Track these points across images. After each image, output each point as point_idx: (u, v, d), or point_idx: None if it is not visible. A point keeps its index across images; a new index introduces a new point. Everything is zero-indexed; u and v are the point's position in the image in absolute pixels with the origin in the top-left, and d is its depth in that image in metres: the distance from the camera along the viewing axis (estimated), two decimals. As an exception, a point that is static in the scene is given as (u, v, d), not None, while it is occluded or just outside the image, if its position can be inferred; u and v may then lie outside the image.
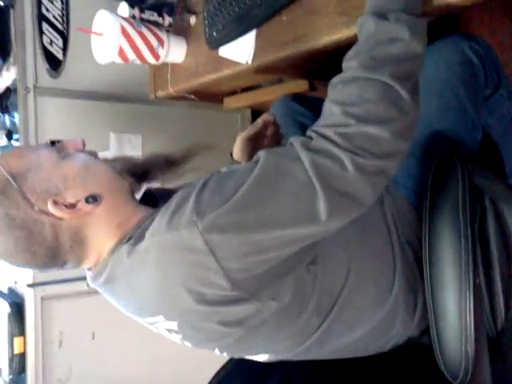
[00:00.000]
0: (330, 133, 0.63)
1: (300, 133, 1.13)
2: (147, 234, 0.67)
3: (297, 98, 1.18)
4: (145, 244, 0.67)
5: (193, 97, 1.30)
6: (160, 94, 1.32)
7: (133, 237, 0.70)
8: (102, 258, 0.72)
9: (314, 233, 0.66)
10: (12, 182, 0.69)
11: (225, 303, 0.67)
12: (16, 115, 1.68)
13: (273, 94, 1.32)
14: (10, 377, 1.68)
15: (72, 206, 0.70)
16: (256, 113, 1.82)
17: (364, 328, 0.80)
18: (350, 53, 0.68)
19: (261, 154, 0.67)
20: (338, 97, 0.66)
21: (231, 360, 0.99)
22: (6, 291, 1.85)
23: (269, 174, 0.64)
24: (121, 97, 1.73)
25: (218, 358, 0.90)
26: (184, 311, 0.70)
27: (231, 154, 1.06)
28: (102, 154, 1.66)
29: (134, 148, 1.70)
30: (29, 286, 1.61)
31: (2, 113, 1.74)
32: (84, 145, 0.78)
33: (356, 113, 0.63)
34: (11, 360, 1.62)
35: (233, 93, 1.46)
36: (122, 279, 0.72)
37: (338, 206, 0.63)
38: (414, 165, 0.85)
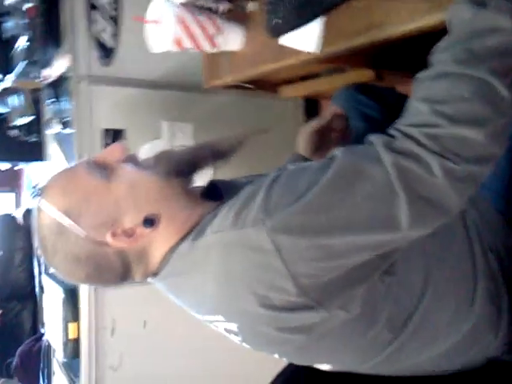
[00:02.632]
0: (416, 133, 0.57)
1: (366, 126, 1.08)
2: (209, 229, 0.65)
3: (361, 87, 1.11)
4: (206, 240, 0.65)
5: (249, 86, 1.25)
6: (215, 83, 1.28)
7: (193, 232, 0.68)
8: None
9: (391, 240, 0.61)
10: (68, 222, 0.67)
11: (290, 310, 0.63)
12: (69, 103, 1.69)
13: (333, 83, 1.26)
14: (65, 360, 1.73)
15: (132, 232, 0.69)
16: (309, 101, 1.77)
17: (440, 347, 0.74)
18: (441, 44, 0.61)
19: (337, 151, 0.62)
20: (425, 94, 0.60)
21: (290, 365, 0.95)
22: (59, 276, 1.90)
23: (345, 175, 0.59)
24: (173, 85, 1.71)
25: (276, 359, 0.88)
26: (245, 314, 0.67)
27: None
28: (153, 144, 1.66)
29: (186, 137, 1.69)
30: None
31: (57, 100, 1.76)
32: (124, 150, 0.74)
33: (447, 112, 0.57)
34: (65, 344, 1.67)
35: (289, 81, 1.40)
36: (183, 275, 0.70)
37: (422, 214, 0.58)
38: (501, 164, 0.78)
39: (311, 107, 1.81)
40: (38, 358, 2.41)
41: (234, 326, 0.71)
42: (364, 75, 1.16)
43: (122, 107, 1.66)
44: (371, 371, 0.77)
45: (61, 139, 1.85)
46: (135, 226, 0.68)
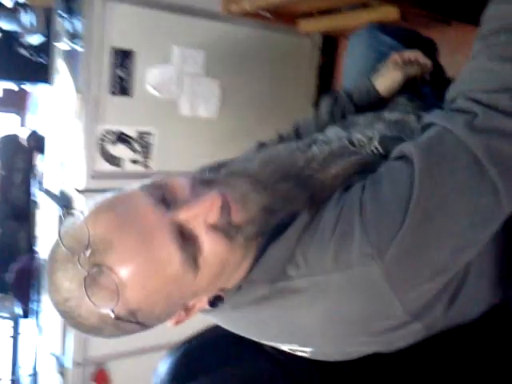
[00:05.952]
0: (501, 100, 0.50)
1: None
2: (296, 272, 0.56)
3: (384, 28, 1.03)
4: (296, 284, 0.56)
5: (268, 15, 1.20)
6: (233, 8, 1.24)
7: (256, 274, 0.58)
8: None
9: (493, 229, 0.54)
10: (130, 323, 0.52)
11: (392, 330, 0.58)
12: (80, 19, 1.63)
13: (355, 19, 1.20)
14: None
15: (191, 309, 0.58)
16: (328, 38, 1.69)
17: None
18: None
19: (411, 152, 0.53)
20: (502, 51, 0.52)
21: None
22: (58, 194, 1.90)
23: (435, 182, 0.51)
24: (190, 9, 1.65)
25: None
26: (338, 344, 0.62)
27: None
28: (162, 69, 1.62)
29: (197, 64, 1.64)
30: (78, 191, 1.63)
31: (69, 16, 1.70)
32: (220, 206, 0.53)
33: None
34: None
35: (309, 14, 1.34)
36: (240, 315, 0.62)
37: None
38: None
39: (328, 46, 1.74)
40: (31, 275, 2.46)
41: (306, 349, 0.64)
42: (388, 12, 1.10)
43: (135, 28, 1.60)
44: None
45: (68, 56, 1.81)
46: (198, 302, 0.58)
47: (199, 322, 0.69)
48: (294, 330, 0.61)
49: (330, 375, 0.74)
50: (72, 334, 1.59)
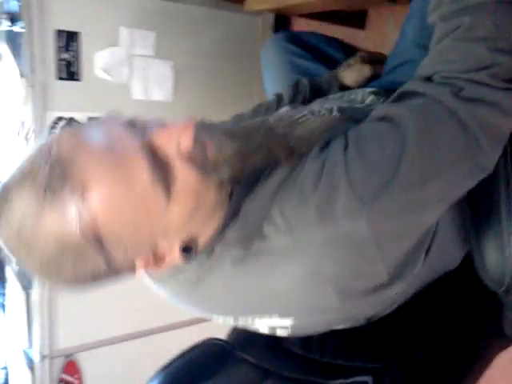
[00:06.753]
0: (480, 77, 0.54)
1: (297, 77, 1.01)
2: (273, 231, 0.54)
3: (290, 37, 1.09)
4: (274, 243, 0.55)
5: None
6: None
7: (230, 232, 0.57)
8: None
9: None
10: (96, 249, 0.49)
11: (371, 292, 0.58)
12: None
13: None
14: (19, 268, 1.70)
15: (162, 258, 0.56)
16: (280, 18, 1.66)
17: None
18: None
19: (402, 115, 0.54)
20: (470, 32, 0.55)
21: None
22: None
23: (427, 143, 0.53)
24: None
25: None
26: (317, 309, 0.61)
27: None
28: (110, 51, 1.55)
29: (147, 46, 1.57)
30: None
31: (5, -6, 1.59)
32: (195, 134, 0.54)
33: (504, 47, 0.54)
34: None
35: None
36: (216, 280, 0.61)
37: (497, 155, 0.56)
38: None
39: (282, 25, 1.71)
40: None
41: (286, 322, 0.63)
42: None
43: (78, 7, 1.52)
44: None
45: (10, 39, 1.71)
46: (169, 250, 0.56)
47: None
48: (271, 297, 0.60)
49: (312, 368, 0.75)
50: (38, 326, 1.56)
